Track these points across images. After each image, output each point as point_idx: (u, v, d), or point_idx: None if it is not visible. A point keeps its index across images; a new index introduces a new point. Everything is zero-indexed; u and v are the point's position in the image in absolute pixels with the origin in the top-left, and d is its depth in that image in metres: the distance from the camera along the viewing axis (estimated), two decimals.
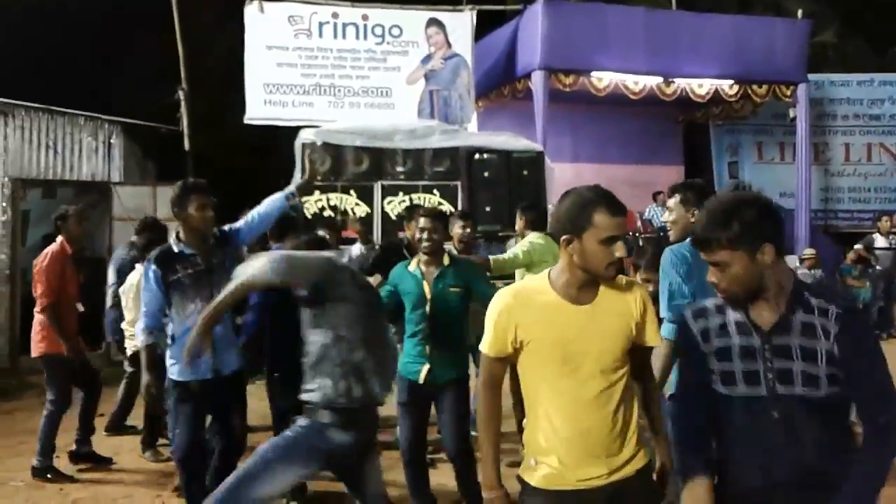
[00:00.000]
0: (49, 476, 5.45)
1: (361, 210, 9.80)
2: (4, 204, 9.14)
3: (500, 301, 2.47)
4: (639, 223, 12.90)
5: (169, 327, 4.15)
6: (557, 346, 2.37)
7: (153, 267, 4.11)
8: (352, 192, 9.86)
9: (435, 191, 10.03)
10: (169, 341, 4.15)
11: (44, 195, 10.06)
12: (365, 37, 11.42)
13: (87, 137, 9.39)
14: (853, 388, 2.13)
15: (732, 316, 2.24)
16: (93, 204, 10.41)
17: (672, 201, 3.61)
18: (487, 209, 9.46)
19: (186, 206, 4.14)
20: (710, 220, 2.18)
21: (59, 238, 5.74)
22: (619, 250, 2.33)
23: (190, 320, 3.97)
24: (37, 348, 5.64)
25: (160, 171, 10.40)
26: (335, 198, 9.78)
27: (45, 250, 5.74)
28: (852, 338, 2.13)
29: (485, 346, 2.49)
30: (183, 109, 11.10)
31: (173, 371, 4.13)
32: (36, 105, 9.23)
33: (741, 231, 2.13)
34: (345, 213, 9.52)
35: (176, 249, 4.16)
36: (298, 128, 10.30)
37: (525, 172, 10.40)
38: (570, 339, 2.35)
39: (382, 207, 9.87)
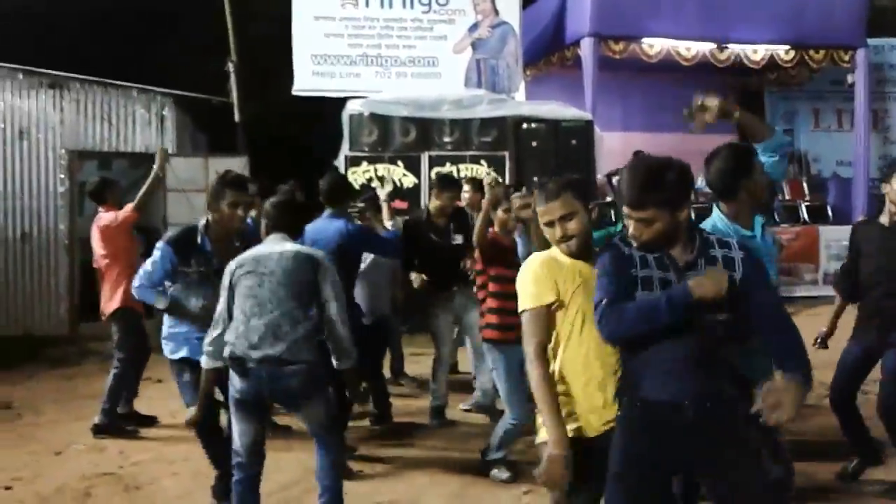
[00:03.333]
0: (110, 433, 5.66)
1: (409, 181, 9.83)
2: (62, 175, 9.35)
3: (535, 263, 2.79)
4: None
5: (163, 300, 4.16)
6: (580, 299, 2.67)
7: (171, 251, 4.05)
8: (399, 162, 9.88)
9: (482, 161, 10.01)
10: (170, 323, 4.17)
11: (99, 167, 10.25)
12: (412, 5, 11.33)
13: (141, 109, 9.52)
14: (756, 295, 2.49)
15: (651, 254, 2.53)
16: (147, 175, 10.61)
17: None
18: (535, 179, 9.38)
19: (219, 201, 4.06)
20: (641, 183, 2.45)
21: (102, 209, 5.96)
22: (561, 230, 2.71)
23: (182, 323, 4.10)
24: (110, 305, 5.81)
25: (212, 142, 10.53)
26: (382, 168, 9.80)
27: (109, 214, 5.88)
28: (753, 260, 2.56)
29: (531, 301, 2.72)
30: (232, 81, 11.20)
31: (167, 349, 4.19)
32: (90, 78, 9.38)
33: (668, 194, 2.44)
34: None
35: (199, 240, 4.08)
36: (346, 98, 10.34)
37: (574, 142, 10.31)
38: (591, 291, 2.60)
39: (430, 178, 9.85)
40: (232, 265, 3.64)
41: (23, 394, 7.02)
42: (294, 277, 3.54)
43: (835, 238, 11.94)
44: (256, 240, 4.38)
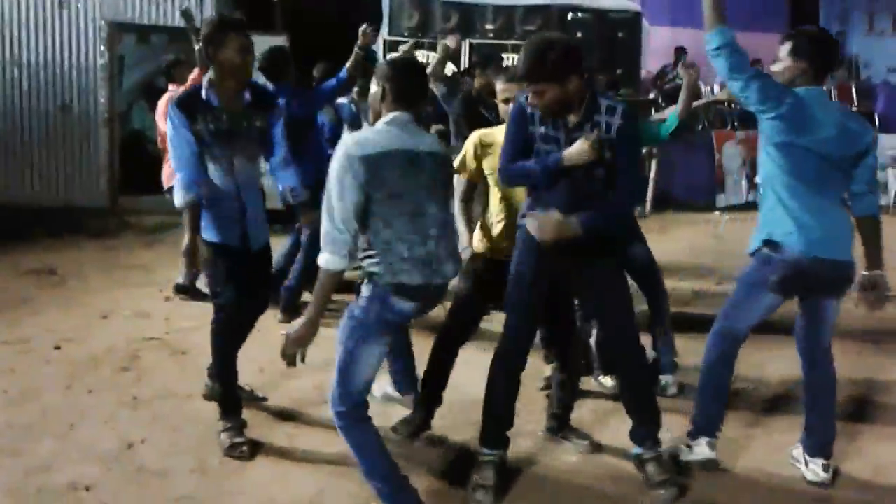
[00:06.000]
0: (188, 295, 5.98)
1: (449, 68, 9.62)
2: (102, 48, 9.26)
3: (470, 140, 3.69)
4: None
5: None
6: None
7: (178, 111, 3.55)
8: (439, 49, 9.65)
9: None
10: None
11: (138, 41, 10.16)
12: None
13: None
14: (619, 161, 3.06)
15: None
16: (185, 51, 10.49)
17: (783, 50, 3.31)
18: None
19: (223, 47, 3.50)
20: (529, 60, 2.94)
21: (171, 86, 6.06)
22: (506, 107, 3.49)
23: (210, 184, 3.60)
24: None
25: (249, 19, 10.28)
26: (422, 55, 9.61)
27: (164, 97, 6.03)
28: (628, 128, 3.06)
29: (460, 168, 3.68)
30: None
31: (205, 232, 3.67)
32: None
33: (553, 68, 2.92)
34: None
35: (204, 97, 3.59)
36: None
37: (620, 34, 10.05)
38: None
39: (470, 65, 9.68)
40: (354, 151, 2.85)
41: (67, 261, 7.15)
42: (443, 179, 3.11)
43: (883, 147, 11.66)
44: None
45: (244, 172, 3.73)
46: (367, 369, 2.97)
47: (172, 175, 5.64)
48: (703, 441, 3.51)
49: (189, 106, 3.56)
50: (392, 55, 3.69)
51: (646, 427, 3.37)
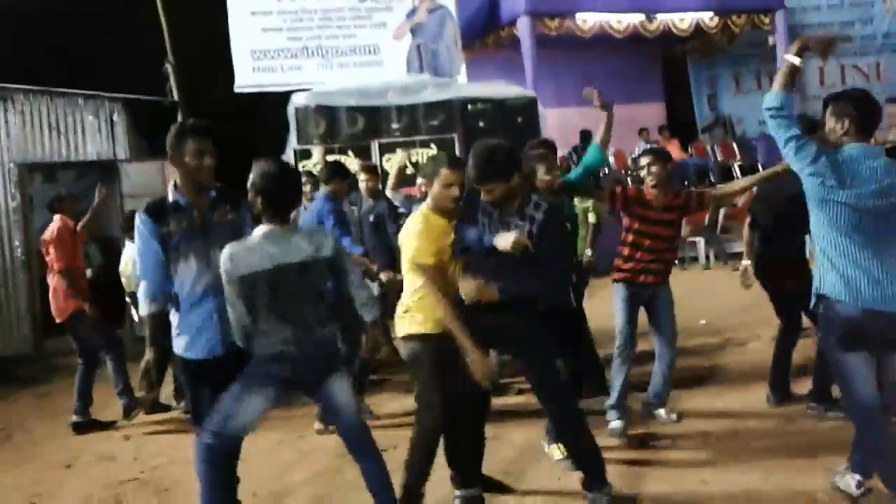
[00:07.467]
0: (92, 429, 6.05)
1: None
2: (13, 190, 9.06)
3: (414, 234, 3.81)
4: (629, 161, 13.11)
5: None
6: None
7: (146, 217, 3.59)
8: (349, 152, 9.91)
9: (432, 144, 10.13)
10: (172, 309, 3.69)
11: (45, 179, 9.96)
12: None
13: (90, 117, 9.28)
14: (539, 250, 3.52)
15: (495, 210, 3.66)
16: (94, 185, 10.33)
17: (827, 113, 3.52)
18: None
19: (182, 150, 3.58)
20: (479, 164, 3.51)
21: (57, 216, 6.26)
22: (454, 192, 3.68)
23: (186, 286, 3.60)
24: (62, 311, 6.16)
25: (161, 146, 10.29)
26: (333, 159, 9.81)
27: (51, 226, 6.25)
28: (547, 223, 3.59)
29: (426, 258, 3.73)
30: (172, 82, 11.01)
31: (178, 345, 3.68)
32: (34, 88, 9.07)
33: (498, 169, 3.52)
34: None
35: (171, 199, 3.63)
36: (290, 92, 10.30)
37: (519, 119, 10.52)
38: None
39: (381, 165, 9.96)
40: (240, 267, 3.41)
41: (3, 415, 6.82)
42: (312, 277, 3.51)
43: None
44: None
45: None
46: (245, 416, 3.46)
47: (66, 306, 6.07)
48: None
49: (157, 211, 3.60)
50: (262, 164, 3.54)
51: (587, 474, 3.78)
